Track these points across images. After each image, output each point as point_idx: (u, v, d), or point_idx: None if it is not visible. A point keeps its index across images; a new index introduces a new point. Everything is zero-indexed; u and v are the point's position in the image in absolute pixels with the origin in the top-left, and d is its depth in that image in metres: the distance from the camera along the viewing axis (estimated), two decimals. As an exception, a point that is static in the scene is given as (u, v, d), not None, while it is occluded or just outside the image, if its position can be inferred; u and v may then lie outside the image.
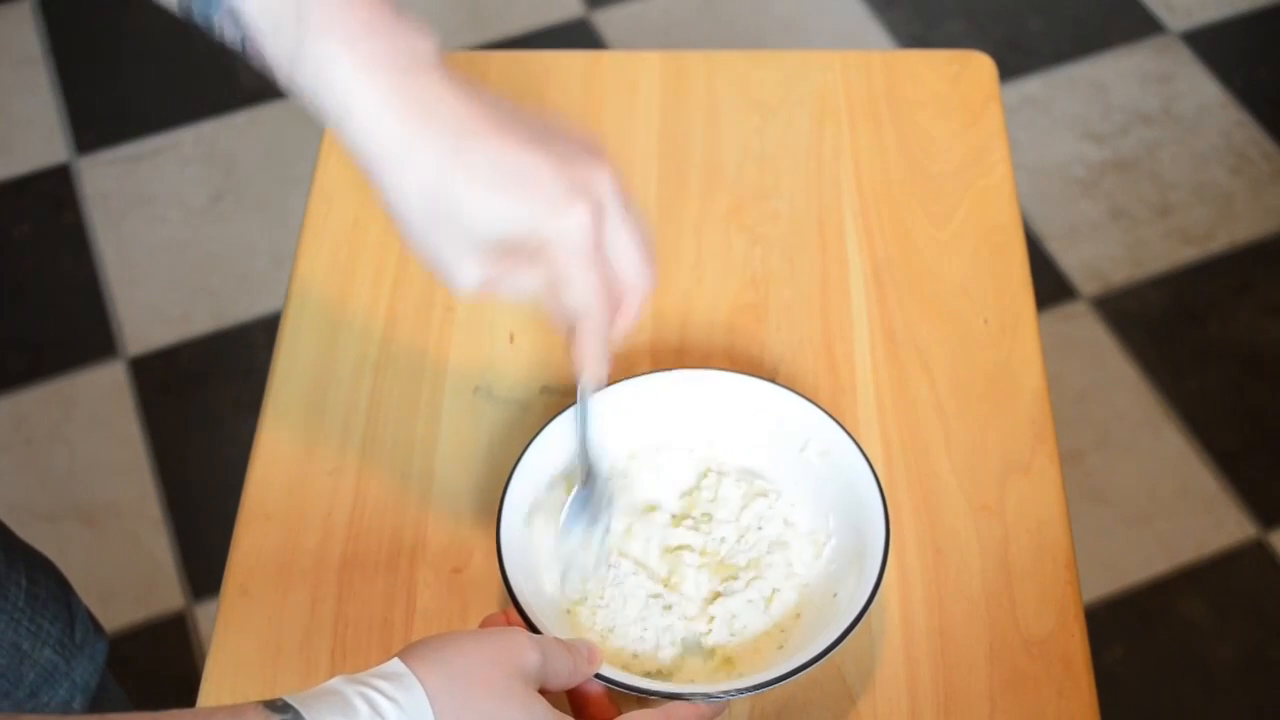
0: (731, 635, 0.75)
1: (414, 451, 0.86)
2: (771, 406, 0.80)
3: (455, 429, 0.87)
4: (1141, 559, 1.67)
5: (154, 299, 1.95)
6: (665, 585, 0.76)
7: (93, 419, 1.82)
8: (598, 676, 0.68)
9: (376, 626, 0.79)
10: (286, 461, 0.85)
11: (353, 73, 0.62)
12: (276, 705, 0.57)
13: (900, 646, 0.77)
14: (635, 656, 0.74)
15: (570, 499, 0.77)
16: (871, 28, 2.23)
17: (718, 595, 0.76)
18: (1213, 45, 2.20)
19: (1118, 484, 1.74)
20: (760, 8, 2.27)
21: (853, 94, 1.04)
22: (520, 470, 0.76)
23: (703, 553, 0.77)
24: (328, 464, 0.85)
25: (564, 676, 0.66)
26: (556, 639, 0.67)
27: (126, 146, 2.12)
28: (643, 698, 0.69)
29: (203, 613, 1.65)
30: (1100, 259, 1.95)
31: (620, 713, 0.69)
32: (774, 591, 0.76)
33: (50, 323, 1.93)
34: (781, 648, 0.74)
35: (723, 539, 0.78)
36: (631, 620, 0.75)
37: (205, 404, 1.84)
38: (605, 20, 2.25)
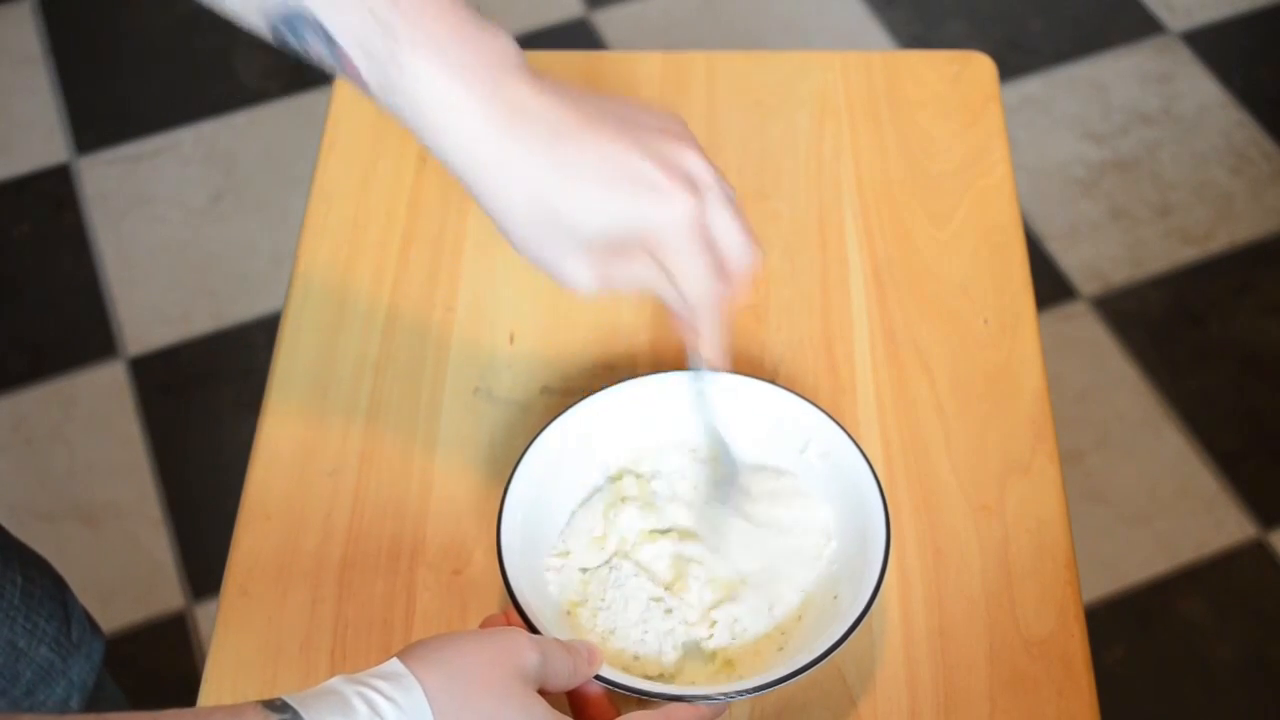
0: (733, 638, 0.74)
1: (414, 452, 0.86)
2: (771, 407, 0.80)
3: (455, 429, 0.86)
4: (1141, 559, 1.67)
5: (154, 299, 1.95)
6: (668, 589, 0.76)
7: (93, 419, 1.82)
8: (597, 678, 0.68)
9: (376, 627, 0.78)
10: (286, 462, 0.85)
11: (448, 84, 0.62)
12: (275, 705, 0.57)
13: (900, 646, 0.77)
14: (636, 659, 0.74)
15: (699, 484, 0.78)
16: (871, 28, 2.23)
17: (720, 600, 0.76)
18: (1213, 45, 2.20)
19: (1118, 484, 1.74)
20: (760, 8, 2.27)
21: (853, 94, 1.04)
22: (520, 470, 0.76)
23: (711, 570, 0.77)
24: (328, 464, 0.85)
25: (564, 677, 0.66)
26: (556, 640, 0.67)
27: (126, 146, 2.12)
28: (643, 699, 0.69)
29: (203, 613, 1.65)
30: (1100, 259, 1.95)
31: (620, 714, 0.69)
32: (776, 595, 0.76)
33: (50, 323, 1.94)
34: (782, 649, 0.74)
35: (735, 553, 0.77)
36: (632, 622, 0.74)
37: (205, 404, 1.84)
38: (605, 20, 2.25)
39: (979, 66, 1.05)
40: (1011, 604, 0.79)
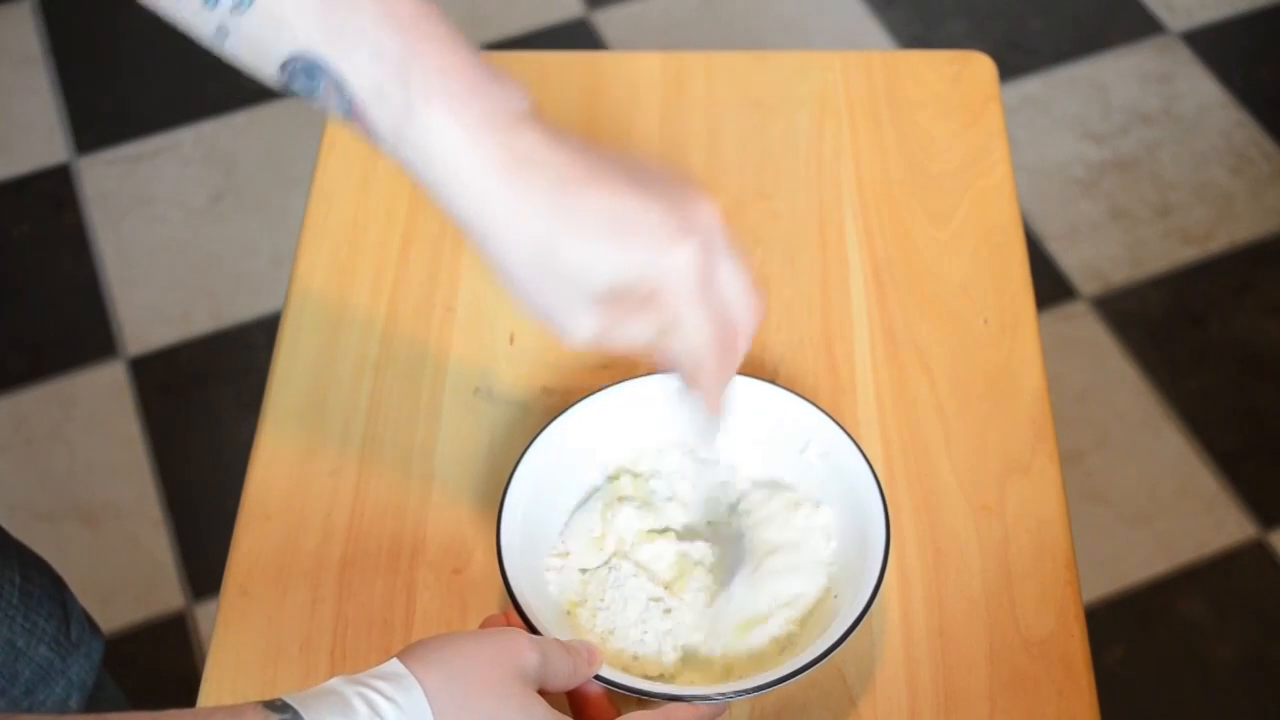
0: (732, 638, 0.74)
1: (414, 452, 0.86)
2: (771, 407, 0.80)
3: (455, 429, 0.86)
4: (1141, 559, 1.67)
5: (154, 299, 1.95)
6: (667, 589, 0.76)
7: (93, 419, 1.82)
8: (597, 678, 0.68)
9: (376, 627, 0.78)
10: (286, 462, 0.85)
11: (460, 135, 0.61)
12: (275, 705, 0.57)
13: (900, 646, 0.77)
14: (635, 659, 0.74)
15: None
16: (871, 28, 2.23)
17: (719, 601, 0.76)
18: (1213, 45, 2.20)
19: (1118, 484, 1.74)
20: (760, 8, 2.27)
21: (853, 94, 1.04)
22: (520, 470, 0.76)
23: (713, 570, 0.77)
24: (328, 464, 0.85)
25: (563, 677, 0.66)
26: (556, 640, 0.67)
27: (126, 146, 2.12)
28: (642, 699, 0.69)
29: (203, 613, 1.65)
30: (1100, 259, 1.95)
31: (620, 714, 0.69)
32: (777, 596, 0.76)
33: (50, 323, 1.93)
34: (782, 649, 0.74)
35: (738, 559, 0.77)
36: (632, 622, 0.74)
37: (205, 404, 1.84)
38: (605, 20, 2.25)
39: (979, 66, 1.05)
40: (1011, 604, 0.79)
